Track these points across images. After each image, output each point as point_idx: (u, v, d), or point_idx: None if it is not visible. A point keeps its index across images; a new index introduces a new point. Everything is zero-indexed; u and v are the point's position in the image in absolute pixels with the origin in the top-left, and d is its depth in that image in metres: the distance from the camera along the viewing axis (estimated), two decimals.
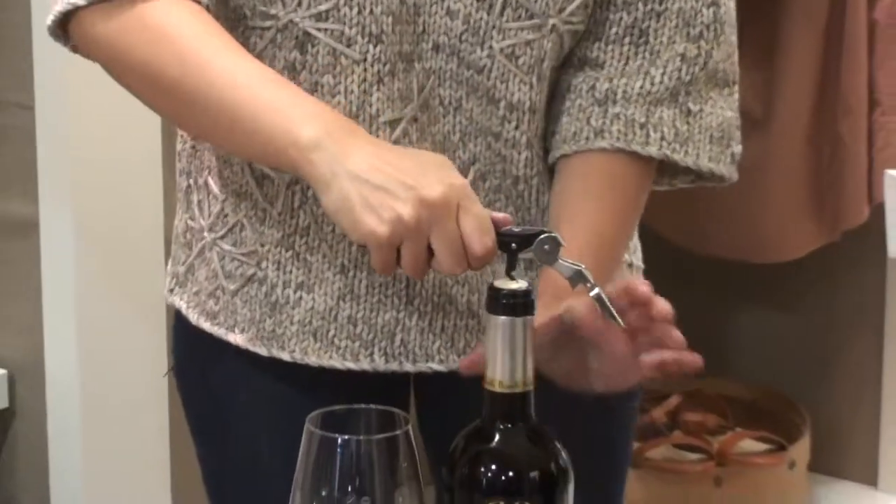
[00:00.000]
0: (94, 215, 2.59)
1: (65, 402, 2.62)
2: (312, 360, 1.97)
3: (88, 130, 2.57)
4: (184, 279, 2.05)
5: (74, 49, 1.91)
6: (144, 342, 2.66)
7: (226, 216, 2.00)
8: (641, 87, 1.96)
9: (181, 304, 2.04)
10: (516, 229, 1.70)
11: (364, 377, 1.96)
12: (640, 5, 1.95)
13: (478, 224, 1.70)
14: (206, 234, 2.01)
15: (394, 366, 1.97)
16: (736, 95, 2.00)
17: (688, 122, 1.97)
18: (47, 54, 2.57)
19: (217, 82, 1.83)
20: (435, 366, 1.97)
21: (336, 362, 1.98)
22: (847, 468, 3.67)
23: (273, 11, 1.88)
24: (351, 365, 1.96)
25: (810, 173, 3.33)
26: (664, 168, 1.97)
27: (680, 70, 1.96)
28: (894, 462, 3.66)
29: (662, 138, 1.94)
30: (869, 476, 3.65)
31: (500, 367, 1.58)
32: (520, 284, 1.61)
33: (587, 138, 1.94)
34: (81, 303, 2.60)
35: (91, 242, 2.61)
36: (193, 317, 2.03)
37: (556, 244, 1.68)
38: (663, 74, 1.97)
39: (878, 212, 2.91)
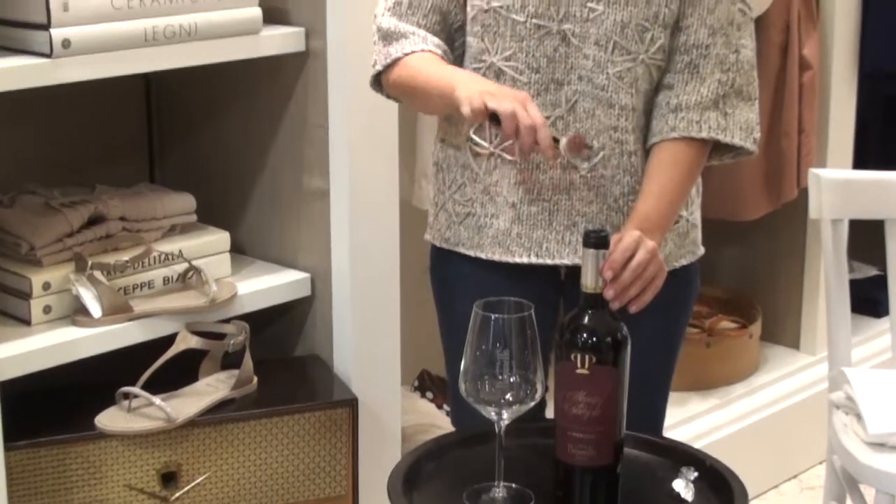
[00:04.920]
0: (361, 187, 2.46)
1: (342, 292, 2.50)
2: (496, 257, 2.08)
3: (358, 138, 2.44)
4: (432, 222, 2.18)
5: (385, 95, 2.12)
6: (391, 264, 2.55)
7: (454, 180, 2.12)
8: (695, 100, 2.01)
9: (429, 236, 2.19)
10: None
11: (529, 268, 2.07)
12: (694, 51, 2.01)
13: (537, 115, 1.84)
14: (445, 192, 2.13)
15: (544, 261, 2.06)
16: (756, 106, 2.05)
17: (725, 118, 2.01)
18: (337, 94, 2.43)
19: (429, 81, 1.98)
20: (565, 261, 2.06)
21: (508, 258, 2.07)
22: (781, 337, 3.70)
23: (484, 58, 2.02)
24: (518, 260, 2.07)
25: (765, 168, 3.35)
26: (714, 149, 2.05)
27: (718, 89, 2.01)
28: (809, 336, 3.64)
29: (710, 128, 2.00)
30: (794, 342, 3.69)
31: (589, 277, 1.75)
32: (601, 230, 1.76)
33: (665, 132, 2.02)
34: (353, 239, 2.47)
35: (359, 205, 2.47)
36: (437, 241, 2.17)
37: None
38: (708, 91, 2.01)
39: (803, 192, 2.87)
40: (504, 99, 1.85)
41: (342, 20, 2.40)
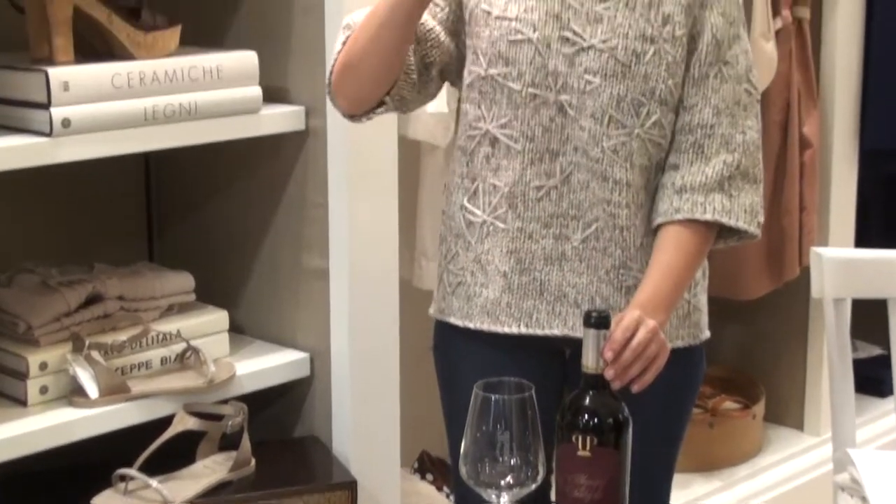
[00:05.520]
0: (360, 266, 2.46)
1: (341, 372, 2.49)
2: (485, 327, 2.08)
3: (358, 217, 2.43)
4: (434, 295, 2.18)
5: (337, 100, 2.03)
6: (391, 344, 2.53)
7: (449, 250, 2.12)
8: (700, 181, 2.00)
9: (431, 310, 2.18)
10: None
11: (530, 344, 2.06)
12: (698, 131, 2.00)
13: None
14: (442, 264, 2.14)
15: (533, 331, 2.06)
16: (760, 189, 2.04)
17: (730, 201, 2.00)
18: (337, 173, 2.44)
19: (370, 22, 1.94)
20: (555, 332, 2.05)
21: (498, 328, 2.07)
22: (785, 418, 3.70)
23: (480, 125, 2.03)
24: (507, 330, 2.06)
25: (766, 246, 3.35)
26: (718, 232, 2.03)
27: (723, 170, 2.00)
28: (813, 416, 3.65)
29: (714, 210, 2.00)
30: (798, 423, 3.69)
31: (590, 357, 1.74)
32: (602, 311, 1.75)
33: (669, 214, 2.01)
34: (352, 318, 2.46)
35: (359, 285, 2.46)
36: (434, 312, 2.17)
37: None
38: (713, 172, 2.00)
39: (805, 271, 2.93)
40: None
41: None
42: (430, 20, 2.02)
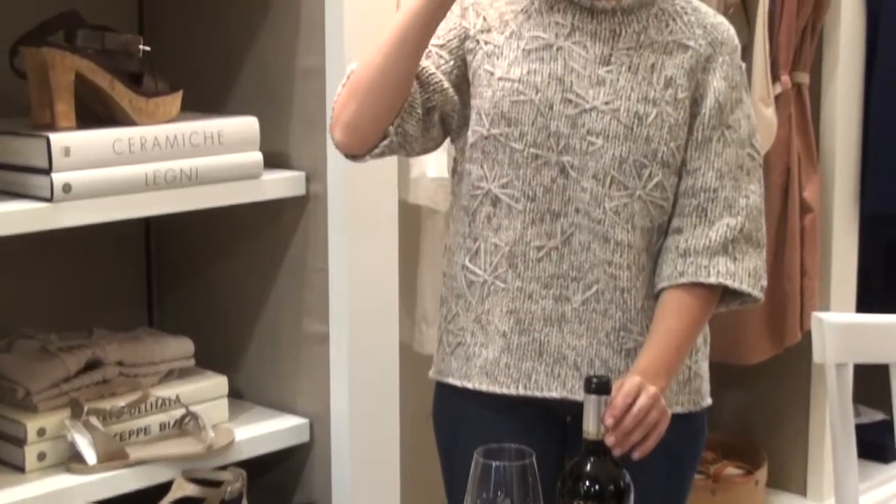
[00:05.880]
0: (361, 331, 2.46)
1: (341, 438, 2.49)
2: (483, 387, 2.08)
3: (359, 281, 2.44)
4: (434, 357, 2.18)
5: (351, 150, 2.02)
6: (391, 410, 2.54)
7: (450, 310, 2.12)
8: (703, 244, 2.01)
9: (431, 372, 2.17)
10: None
11: (520, 401, 2.06)
12: (702, 194, 2.01)
13: None
14: (442, 325, 2.14)
15: (532, 393, 2.06)
16: (763, 253, 2.05)
17: (734, 264, 2.01)
18: (338, 237, 2.45)
19: (381, 40, 1.94)
20: (554, 394, 2.05)
21: (496, 388, 2.07)
22: (788, 484, 3.67)
23: (482, 184, 2.04)
24: (505, 391, 2.06)
25: (767, 311, 3.34)
26: (721, 296, 2.04)
27: (727, 233, 2.01)
28: (816, 482, 3.61)
29: (719, 273, 2.00)
30: (801, 489, 3.65)
31: (591, 423, 1.73)
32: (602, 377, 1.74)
33: (673, 277, 2.01)
34: (352, 384, 2.47)
35: (359, 350, 2.47)
36: (433, 373, 2.17)
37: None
38: (717, 236, 2.01)
39: (807, 336, 2.97)
40: None
41: (343, 164, 2.39)
42: (434, 68, 2.03)
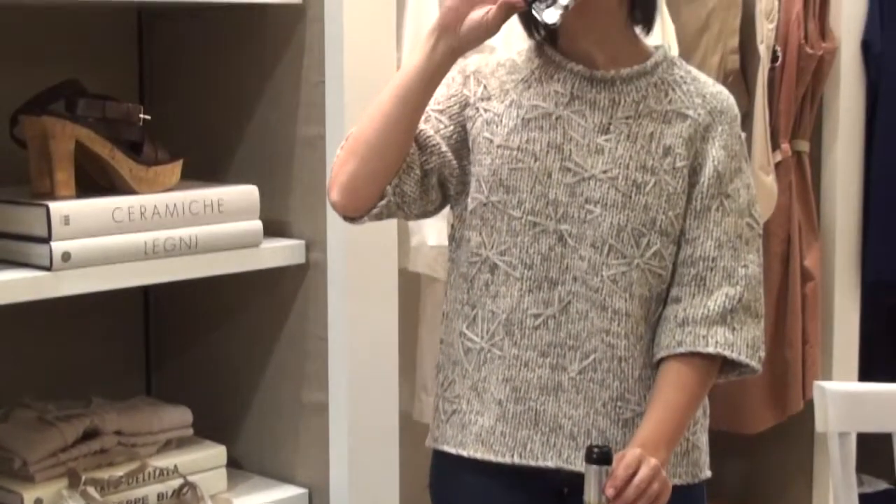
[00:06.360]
0: (360, 400, 2.46)
1: None
2: (479, 455, 2.06)
3: (359, 350, 2.44)
4: (430, 426, 2.17)
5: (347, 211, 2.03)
6: (391, 480, 2.52)
7: (446, 378, 2.12)
8: (702, 314, 2.00)
9: (427, 440, 2.16)
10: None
11: (516, 471, 2.05)
12: (700, 263, 2.01)
13: None
14: (439, 392, 2.13)
15: (527, 462, 2.04)
16: (762, 324, 2.04)
17: (733, 334, 2.00)
18: (338, 306, 2.46)
19: (383, 106, 1.96)
20: (549, 464, 2.03)
21: (491, 457, 2.05)
22: None
23: (481, 251, 2.04)
24: (501, 460, 2.05)
25: (769, 380, 3.35)
26: (720, 366, 2.02)
27: (726, 303, 2.00)
28: None
29: (717, 343, 1.98)
30: None
31: (592, 494, 1.76)
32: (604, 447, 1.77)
33: (672, 347, 2.00)
34: (352, 453, 2.45)
35: (359, 419, 2.47)
36: (429, 441, 2.16)
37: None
38: (715, 305, 2.00)
39: (809, 405, 2.88)
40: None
41: (342, 232, 2.43)
42: (432, 132, 2.04)
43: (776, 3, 3.27)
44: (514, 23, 2.01)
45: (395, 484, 2.55)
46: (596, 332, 2.01)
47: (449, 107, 2.07)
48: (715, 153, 2.03)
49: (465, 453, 2.09)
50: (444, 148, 2.05)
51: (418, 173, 2.03)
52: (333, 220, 2.42)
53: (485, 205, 2.03)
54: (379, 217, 2.05)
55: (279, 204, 2.52)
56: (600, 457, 1.74)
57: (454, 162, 2.06)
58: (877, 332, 3.76)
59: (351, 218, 2.05)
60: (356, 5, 2.40)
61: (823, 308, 3.49)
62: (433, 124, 2.05)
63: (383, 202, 2.01)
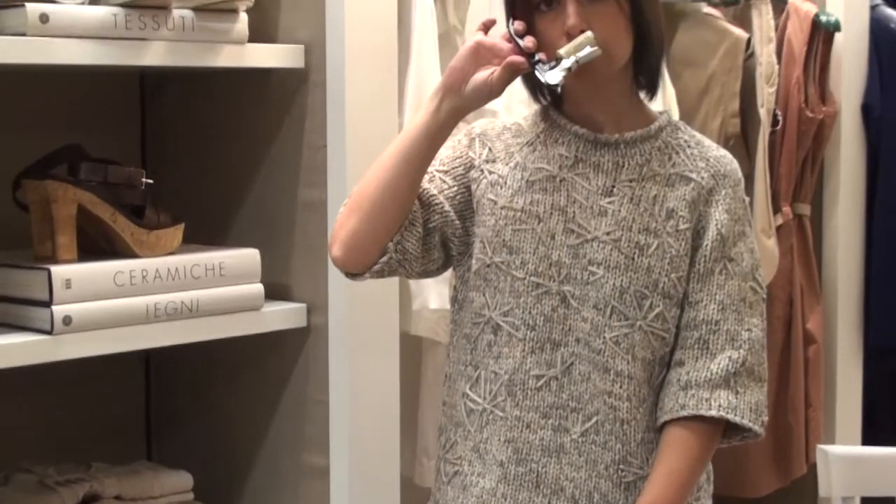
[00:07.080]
0: (361, 464, 2.45)
1: None
2: None
3: (359, 415, 2.45)
4: (432, 489, 2.15)
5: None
6: None
7: (448, 439, 2.10)
8: (705, 377, 1.98)
9: (429, 502, 2.14)
10: None
11: None
12: (703, 327, 2.00)
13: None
14: (440, 453, 2.11)
15: None
16: (765, 389, 2.03)
17: (736, 398, 1.98)
18: (339, 371, 2.47)
19: (386, 163, 1.98)
20: None
21: None
22: None
23: (484, 312, 2.03)
24: None
25: (772, 444, 3.36)
26: (723, 430, 2.01)
27: (729, 366, 1.98)
28: None
29: (720, 406, 1.97)
30: None
31: None
32: None
33: (675, 411, 1.99)
34: None
35: (360, 483, 2.46)
36: None
37: None
38: (719, 369, 1.98)
39: (813, 468, 2.78)
40: (461, 56, 1.94)
41: (344, 296, 2.44)
42: (436, 191, 2.05)
43: (776, 67, 3.31)
44: (515, 87, 2.03)
45: None
46: (598, 394, 2.00)
47: (454, 168, 2.08)
48: (718, 216, 2.03)
49: None
50: (448, 208, 2.06)
51: (420, 231, 2.03)
52: (335, 283, 2.45)
53: (488, 266, 2.03)
54: (380, 274, 2.04)
55: (281, 267, 2.53)
56: None
57: (457, 222, 2.07)
58: (879, 396, 3.78)
59: (352, 274, 2.05)
60: (358, 70, 2.43)
61: (826, 371, 3.51)
62: (437, 184, 2.06)
63: (384, 259, 2.01)
